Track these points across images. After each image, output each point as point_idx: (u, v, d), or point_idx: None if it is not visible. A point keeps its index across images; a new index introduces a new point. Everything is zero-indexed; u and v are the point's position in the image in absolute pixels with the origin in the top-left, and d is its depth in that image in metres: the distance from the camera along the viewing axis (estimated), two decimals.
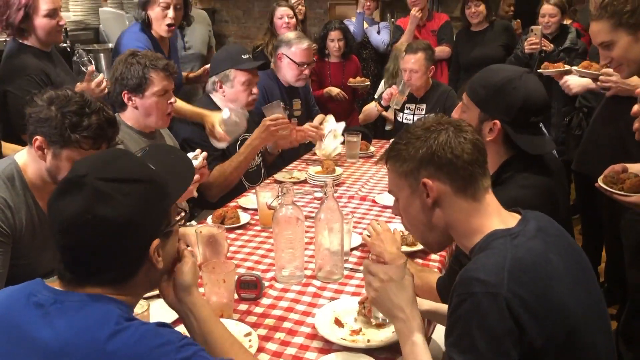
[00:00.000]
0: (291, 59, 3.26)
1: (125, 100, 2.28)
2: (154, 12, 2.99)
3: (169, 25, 3.01)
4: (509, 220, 1.24)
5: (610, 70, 2.55)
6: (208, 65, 3.14)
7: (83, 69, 2.69)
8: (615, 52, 1.91)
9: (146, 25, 3.03)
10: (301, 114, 3.49)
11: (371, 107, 3.75)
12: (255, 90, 2.79)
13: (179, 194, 1.22)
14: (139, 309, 1.44)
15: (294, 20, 4.10)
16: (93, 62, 2.76)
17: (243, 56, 2.76)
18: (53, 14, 2.59)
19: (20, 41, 2.61)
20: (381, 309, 1.33)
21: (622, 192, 1.79)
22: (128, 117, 2.33)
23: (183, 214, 1.24)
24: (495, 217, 1.24)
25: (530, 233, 1.18)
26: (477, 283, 1.08)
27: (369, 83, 4.34)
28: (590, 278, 1.25)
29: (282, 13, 4.06)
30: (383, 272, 1.29)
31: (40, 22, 2.58)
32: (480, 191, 1.24)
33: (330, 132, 3.15)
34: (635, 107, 1.68)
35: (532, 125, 1.68)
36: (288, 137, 2.86)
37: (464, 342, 1.08)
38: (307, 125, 3.15)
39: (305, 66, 3.28)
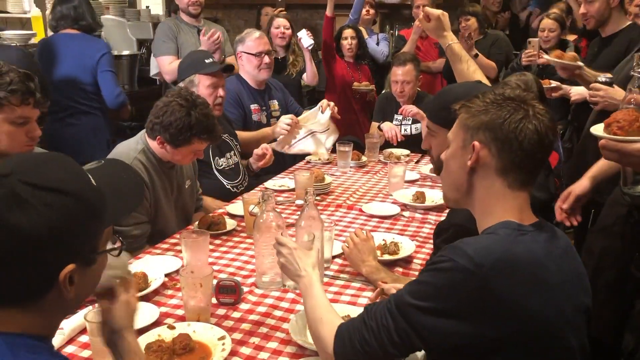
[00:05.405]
0: (248, 53, 3.32)
1: None
2: None
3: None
4: (528, 220, 1.24)
5: (598, 85, 2.57)
6: None
7: None
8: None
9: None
10: (280, 114, 3.49)
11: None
12: (221, 93, 2.79)
13: (115, 219, 1.08)
14: None
15: (289, 31, 4.18)
16: None
17: (206, 60, 2.80)
18: None
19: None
20: (288, 274, 1.52)
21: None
22: None
23: (119, 243, 1.09)
24: (516, 211, 1.23)
25: (540, 237, 1.19)
26: (463, 255, 1.12)
27: (373, 87, 4.31)
28: (584, 298, 1.23)
29: (280, 23, 4.19)
30: (291, 242, 1.53)
31: None
32: (518, 183, 1.23)
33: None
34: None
35: None
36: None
37: (421, 287, 1.17)
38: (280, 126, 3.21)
39: (263, 55, 3.31)
